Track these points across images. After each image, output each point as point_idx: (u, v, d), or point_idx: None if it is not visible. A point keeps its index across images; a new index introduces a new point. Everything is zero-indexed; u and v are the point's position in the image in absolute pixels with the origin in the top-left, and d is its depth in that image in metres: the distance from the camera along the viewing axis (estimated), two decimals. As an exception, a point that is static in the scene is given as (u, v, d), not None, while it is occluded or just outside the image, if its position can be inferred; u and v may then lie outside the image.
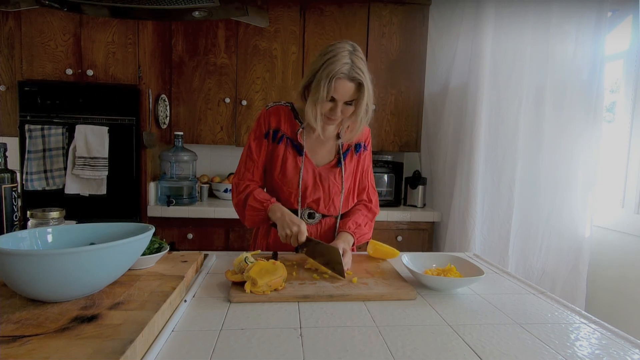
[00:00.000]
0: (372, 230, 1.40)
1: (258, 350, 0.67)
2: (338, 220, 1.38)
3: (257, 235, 1.45)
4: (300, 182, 1.30)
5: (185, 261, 1.03)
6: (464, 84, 2.34)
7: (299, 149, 1.32)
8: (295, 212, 1.31)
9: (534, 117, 2.25)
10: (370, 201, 1.44)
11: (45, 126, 2.14)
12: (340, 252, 1.07)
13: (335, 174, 1.34)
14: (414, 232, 2.52)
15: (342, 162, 1.35)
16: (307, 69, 1.28)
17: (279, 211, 1.24)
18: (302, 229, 1.17)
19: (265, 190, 1.39)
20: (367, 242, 1.27)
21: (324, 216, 1.36)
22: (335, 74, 1.14)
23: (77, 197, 2.18)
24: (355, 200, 1.43)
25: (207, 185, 2.70)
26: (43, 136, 2.13)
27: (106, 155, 2.17)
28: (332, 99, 1.19)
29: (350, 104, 1.21)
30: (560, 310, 0.91)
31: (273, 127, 1.33)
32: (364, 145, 1.41)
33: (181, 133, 2.49)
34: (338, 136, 1.36)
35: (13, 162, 1.98)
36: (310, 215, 1.35)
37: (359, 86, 1.17)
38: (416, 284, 1.02)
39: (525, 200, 2.28)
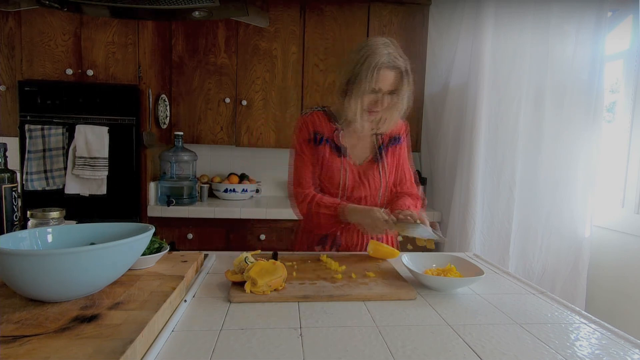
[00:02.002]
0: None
1: (258, 350, 0.67)
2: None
3: (297, 233, 1.48)
4: (342, 181, 1.34)
5: (185, 261, 1.03)
6: (464, 84, 2.34)
7: (339, 150, 1.35)
8: None
9: (534, 117, 2.25)
10: (412, 191, 1.44)
11: (46, 126, 2.14)
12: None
13: (374, 169, 1.37)
14: (414, 232, 2.52)
15: (380, 157, 1.37)
16: (341, 67, 1.31)
17: (350, 211, 1.26)
18: (379, 214, 1.18)
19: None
20: (368, 243, 1.27)
21: None
22: (377, 64, 1.18)
23: (77, 197, 2.18)
24: (396, 192, 1.44)
25: (207, 185, 2.70)
26: (43, 136, 2.13)
27: (106, 155, 2.17)
28: (375, 91, 1.22)
29: (392, 94, 1.24)
30: (560, 310, 0.91)
31: (313, 130, 1.36)
32: (400, 137, 1.43)
33: (181, 133, 2.50)
34: (374, 132, 1.38)
35: (13, 162, 1.98)
36: None
37: (400, 74, 1.22)
38: (416, 284, 1.02)
39: (525, 200, 2.28)
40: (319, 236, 1.39)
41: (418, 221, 1.16)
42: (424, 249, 1.23)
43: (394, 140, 1.41)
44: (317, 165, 1.36)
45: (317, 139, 1.35)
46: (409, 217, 1.17)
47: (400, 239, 1.43)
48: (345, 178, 1.34)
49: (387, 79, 1.21)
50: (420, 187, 1.47)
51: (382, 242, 1.37)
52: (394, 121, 1.32)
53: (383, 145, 1.39)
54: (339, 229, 1.38)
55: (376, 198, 1.38)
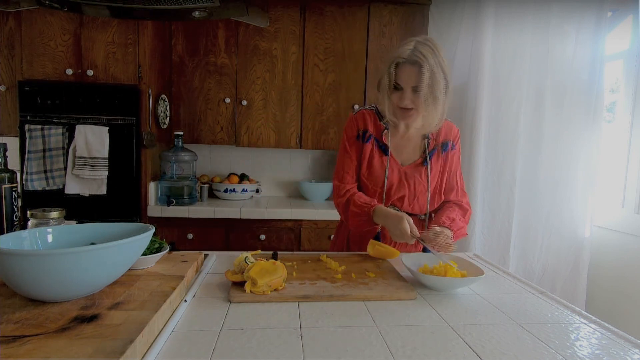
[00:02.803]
0: (467, 225, 1.37)
1: (258, 350, 0.67)
2: (426, 219, 1.37)
3: (337, 235, 1.49)
4: (386, 180, 1.33)
5: (185, 261, 1.03)
6: (464, 84, 2.34)
7: (384, 149, 1.35)
8: None
9: (534, 117, 2.25)
10: (461, 201, 1.41)
11: (46, 126, 2.14)
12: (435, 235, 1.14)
13: (421, 172, 1.35)
14: (414, 232, 2.52)
15: (428, 161, 1.35)
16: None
17: (380, 215, 1.25)
18: (406, 227, 1.16)
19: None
20: (367, 243, 1.27)
21: (409, 214, 1.32)
22: (395, 59, 1.17)
23: (77, 197, 2.18)
24: (442, 200, 1.41)
25: (207, 185, 2.70)
26: (43, 136, 2.13)
27: (106, 155, 2.17)
28: (399, 87, 1.21)
29: (415, 91, 1.20)
30: (560, 310, 0.91)
31: (361, 128, 1.36)
32: (452, 144, 1.40)
33: (181, 133, 2.50)
34: (424, 135, 1.37)
35: (13, 162, 1.98)
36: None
37: (421, 69, 1.16)
38: (416, 284, 1.02)
39: (525, 200, 2.29)
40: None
41: (437, 252, 1.15)
42: (424, 249, 1.22)
43: (445, 145, 1.38)
44: (361, 162, 1.36)
45: (364, 136, 1.35)
46: (434, 247, 1.15)
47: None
48: (386, 176, 1.33)
49: (405, 73, 1.18)
50: (467, 197, 1.44)
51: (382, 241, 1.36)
52: (434, 120, 1.26)
53: (434, 149, 1.36)
54: (375, 229, 1.36)
55: (418, 201, 1.35)
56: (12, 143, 2.07)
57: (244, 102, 2.60)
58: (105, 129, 2.18)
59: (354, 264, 1.16)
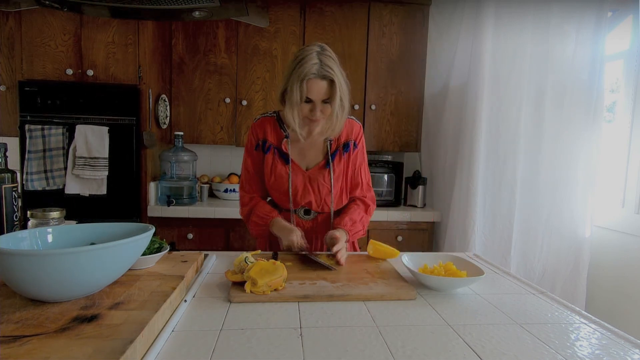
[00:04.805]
0: (366, 226, 1.43)
1: (258, 350, 0.67)
2: (332, 216, 1.41)
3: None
4: (290, 188, 1.36)
5: (185, 261, 1.03)
6: (464, 84, 2.34)
7: (285, 158, 1.36)
8: (288, 211, 1.39)
9: (534, 117, 2.25)
10: (365, 197, 1.44)
11: (46, 126, 2.14)
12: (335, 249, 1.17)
13: (325, 174, 1.37)
14: (414, 232, 2.52)
15: (330, 163, 1.37)
16: (282, 76, 1.31)
17: (275, 227, 1.32)
18: (295, 239, 1.23)
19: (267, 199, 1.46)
20: (368, 242, 1.27)
21: (319, 213, 1.42)
22: (305, 75, 1.18)
23: (77, 197, 2.18)
24: (349, 197, 1.44)
25: (207, 185, 2.70)
26: (43, 136, 2.13)
27: (106, 155, 2.17)
28: (309, 100, 1.23)
29: (328, 102, 1.23)
30: (560, 310, 0.91)
31: (261, 138, 1.38)
32: (354, 143, 1.41)
33: (181, 133, 2.50)
34: (326, 138, 1.38)
35: (13, 162, 1.98)
36: (306, 212, 1.41)
37: (331, 83, 1.21)
38: (416, 284, 1.02)
39: (525, 200, 2.28)
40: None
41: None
42: (424, 249, 1.23)
43: (347, 146, 1.39)
44: (265, 171, 1.39)
45: (264, 146, 1.37)
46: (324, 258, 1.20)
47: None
48: (290, 185, 1.36)
49: (316, 88, 1.20)
50: (372, 191, 1.48)
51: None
52: (339, 126, 1.31)
53: (336, 151, 1.38)
54: (270, 237, 1.41)
55: (326, 202, 1.39)
56: (12, 143, 2.07)
57: (244, 102, 2.60)
58: (105, 129, 2.18)
59: (354, 264, 1.16)
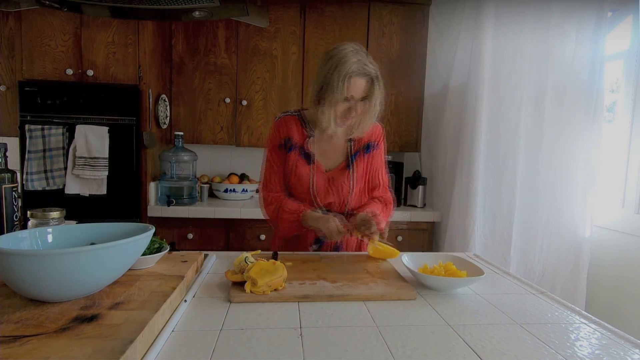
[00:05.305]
0: (388, 219, 1.41)
1: (258, 350, 0.67)
2: (345, 214, 1.40)
3: (275, 235, 1.49)
4: (312, 188, 1.35)
5: (185, 261, 1.03)
6: (464, 84, 2.34)
7: (308, 157, 1.36)
8: None
9: (534, 117, 2.25)
10: (383, 196, 1.45)
11: (46, 126, 2.14)
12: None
13: (346, 175, 1.37)
14: (414, 232, 2.52)
15: (352, 164, 1.37)
16: (314, 76, 1.30)
17: (310, 219, 1.29)
18: (333, 224, 1.22)
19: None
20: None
21: (339, 214, 1.39)
22: (348, 72, 1.19)
23: (77, 197, 2.18)
24: (368, 198, 1.44)
25: (207, 185, 2.70)
26: (43, 136, 2.13)
27: (106, 155, 2.17)
28: (347, 99, 1.23)
29: (364, 101, 1.25)
30: (560, 310, 0.91)
31: (285, 136, 1.37)
32: (375, 144, 1.42)
33: (181, 133, 2.50)
34: (348, 139, 1.39)
35: (13, 162, 1.98)
36: (326, 213, 1.39)
37: (371, 81, 1.23)
38: (416, 284, 1.02)
39: (525, 200, 2.28)
40: (314, 236, 1.40)
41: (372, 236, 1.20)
42: (424, 249, 1.23)
43: (368, 147, 1.40)
44: (286, 170, 1.38)
45: (287, 145, 1.37)
46: (363, 229, 1.22)
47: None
48: (314, 184, 1.35)
49: (358, 86, 1.21)
50: (393, 191, 1.49)
51: (343, 248, 1.40)
52: (367, 126, 1.32)
53: (357, 152, 1.39)
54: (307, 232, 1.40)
55: (345, 204, 1.38)
56: (12, 143, 2.07)
57: (244, 102, 2.60)
58: (106, 129, 2.18)
59: (354, 264, 1.16)
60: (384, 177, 1.47)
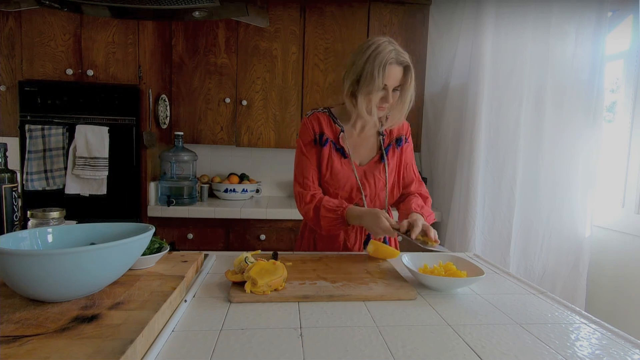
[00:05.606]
0: (431, 214, 1.40)
1: (258, 350, 0.67)
2: (386, 209, 1.42)
3: (302, 235, 1.48)
4: (346, 182, 1.35)
5: (186, 261, 1.03)
6: (464, 84, 2.34)
7: (342, 152, 1.37)
8: None
9: (534, 117, 2.25)
10: (420, 191, 1.45)
11: (46, 126, 2.14)
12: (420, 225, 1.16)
13: (379, 169, 1.39)
14: (414, 232, 2.52)
15: (385, 157, 1.39)
16: (347, 68, 1.30)
17: (354, 215, 1.26)
18: (387, 224, 1.18)
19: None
20: (369, 242, 1.27)
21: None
22: (386, 60, 1.20)
23: (77, 197, 2.18)
24: (400, 192, 1.45)
25: (208, 185, 2.70)
26: (43, 136, 2.13)
27: (106, 155, 2.17)
28: (383, 88, 1.24)
29: (397, 90, 1.26)
30: (560, 310, 0.91)
31: (318, 132, 1.38)
32: (405, 138, 1.45)
33: (181, 133, 2.50)
34: (378, 132, 1.41)
35: (13, 162, 1.98)
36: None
37: (406, 70, 1.24)
38: (416, 284, 1.02)
39: (525, 200, 2.28)
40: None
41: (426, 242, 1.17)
42: (423, 248, 1.22)
43: (399, 140, 1.43)
44: (321, 166, 1.37)
45: (321, 140, 1.37)
46: (419, 237, 1.17)
47: (400, 239, 1.43)
48: (349, 179, 1.35)
49: (394, 75, 1.23)
50: (424, 186, 1.49)
51: (381, 241, 1.38)
52: (402, 117, 1.34)
53: (389, 145, 1.41)
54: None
55: (379, 197, 1.39)
56: (12, 143, 2.07)
57: (244, 102, 2.60)
58: (106, 129, 2.18)
59: (354, 264, 1.16)
60: (416, 171, 1.48)
